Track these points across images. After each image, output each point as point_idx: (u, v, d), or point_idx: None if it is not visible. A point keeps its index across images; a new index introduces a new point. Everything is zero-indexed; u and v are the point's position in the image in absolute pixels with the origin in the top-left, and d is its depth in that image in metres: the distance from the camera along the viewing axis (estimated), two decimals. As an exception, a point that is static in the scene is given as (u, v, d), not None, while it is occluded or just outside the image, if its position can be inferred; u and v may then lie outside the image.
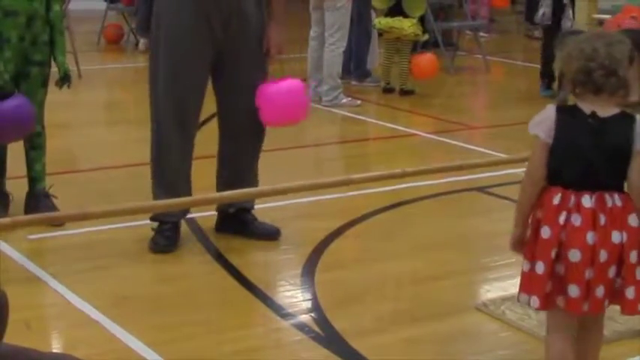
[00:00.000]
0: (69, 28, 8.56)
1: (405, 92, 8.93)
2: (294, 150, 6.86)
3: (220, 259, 4.67)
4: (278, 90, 4.67)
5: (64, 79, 5.11)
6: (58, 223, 4.87)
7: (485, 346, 3.85)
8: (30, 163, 5.19)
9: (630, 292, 3.01)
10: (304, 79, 8.40)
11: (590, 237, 2.95)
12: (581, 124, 2.99)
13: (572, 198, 2.98)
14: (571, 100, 3.07)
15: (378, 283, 4.43)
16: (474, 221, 5.34)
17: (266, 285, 4.35)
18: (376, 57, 9.60)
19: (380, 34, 9.16)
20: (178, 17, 4.62)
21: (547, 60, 8.43)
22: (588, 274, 2.96)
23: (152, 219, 4.78)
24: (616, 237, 2.97)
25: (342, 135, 7.80)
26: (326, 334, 3.87)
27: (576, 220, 2.97)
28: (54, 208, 5.12)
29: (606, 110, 3.00)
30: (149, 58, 4.82)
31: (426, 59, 8.99)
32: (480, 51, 10.69)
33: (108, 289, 4.27)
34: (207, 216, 5.05)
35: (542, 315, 3.32)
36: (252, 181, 4.86)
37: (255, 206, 4.99)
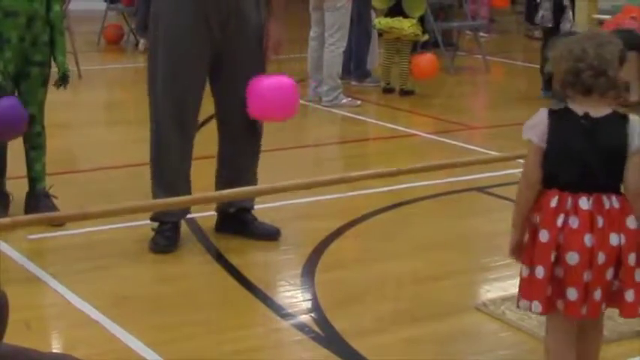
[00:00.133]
0: (69, 29, 8.56)
1: (405, 92, 8.93)
2: (294, 150, 6.86)
3: (220, 259, 4.67)
4: (268, 85, 4.66)
5: (63, 80, 5.11)
6: (58, 223, 4.87)
7: (485, 346, 3.85)
8: (30, 163, 5.19)
9: (629, 295, 3.00)
10: (303, 79, 8.43)
11: (587, 239, 2.95)
12: (574, 126, 2.98)
13: (570, 200, 2.97)
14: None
15: (378, 283, 4.43)
16: (474, 221, 5.35)
17: (266, 285, 4.35)
18: (376, 57, 9.60)
19: (380, 35, 9.16)
20: (177, 17, 4.62)
21: (547, 61, 8.42)
22: (586, 276, 2.96)
23: (152, 219, 4.78)
24: (614, 239, 2.96)
25: (342, 135, 7.80)
26: (326, 334, 3.87)
27: (574, 222, 2.96)
28: (54, 208, 5.12)
29: (599, 110, 2.99)
30: (148, 58, 4.83)
31: (426, 59, 8.99)
32: (480, 51, 10.69)
33: (108, 289, 4.27)
34: (207, 216, 5.05)
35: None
36: (252, 182, 4.85)
37: (255, 206, 4.99)
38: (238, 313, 4.14)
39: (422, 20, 9.04)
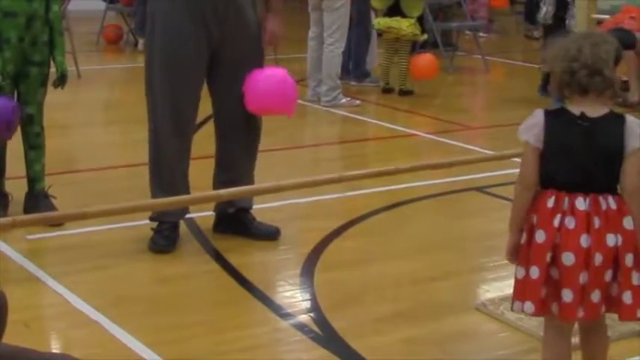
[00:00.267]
0: (68, 29, 8.56)
1: (404, 92, 8.93)
2: (293, 150, 6.86)
3: (219, 259, 4.67)
4: (264, 77, 4.65)
5: (61, 80, 5.11)
6: (57, 223, 4.87)
7: (484, 346, 3.85)
8: (29, 163, 5.19)
9: (627, 297, 2.99)
10: (303, 80, 8.42)
11: (584, 240, 2.94)
12: (570, 126, 2.98)
13: (566, 200, 2.97)
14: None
15: (377, 284, 4.43)
16: (473, 221, 5.35)
17: (265, 285, 4.35)
18: (375, 57, 9.61)
19: (379, 35, 9.16)
20: (173, 16, 4.60)
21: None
22: (582, 278, 2.95)
23: (151, 219, 4.78)
24: (611, 240, 2.95)
25: (341, 135, 7.80)
26: (325, 334, 3.87)
27: (570, 222, 2.95)
28: (53, 208, 5.12)
29: (595, 110, 2.99)
30: (145, 58, 4.82)
31: (426, 60, 8.99)
32: (479, 51, 10.70)
33: (107, 289, 4.28)
34: (206, 216, 5.05)
35: (542, 315, 3.32)
36: (250, 182, 4.85)
37: (254, 206, 4.99)
38: (237, 312, 4.14)
39: (421, 20, 9.04)
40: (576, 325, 3.15)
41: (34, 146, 5.16)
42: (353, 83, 9.26)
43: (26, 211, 5.10)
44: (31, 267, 4.50)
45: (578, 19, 8.45)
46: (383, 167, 5.07)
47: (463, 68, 10.61)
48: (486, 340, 3.89)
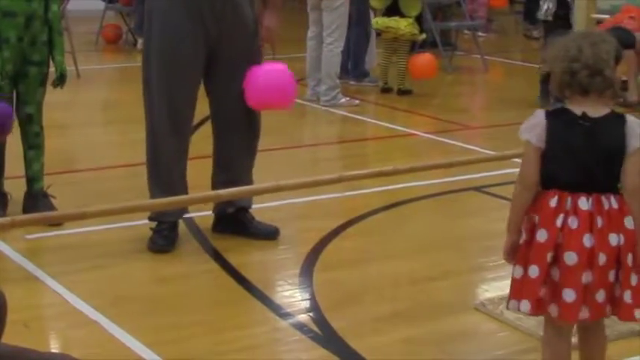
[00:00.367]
0: (67, 29, 8.56)
1: (403, 92, 8.93)
2: (292, 150, 6.86)
3: (218, 258, 4.67)
4: (263, 71, 4.64)
5: (60, 79, 5.11)
6: (56, 223, 4.87)
7: (483, 345, 3.85)
8: (28, 163, 5.19)
9: (627, 297, 2.99)
10: (302, 79, 8.42)
11: (587, 240, 2.94)
12: (572, 126, 2.98)
13: (569, 200, 2.97)
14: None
15: (376, 283, 4.43)
16: (472, 221, 5.35)
17: (264, 285, 4.35)
18: (374, 57, 9.60)
19: (378, 34, 9.15)
20: (170, 15, 4.60)
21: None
22: (585, 278, 2.94)
23: (150, 219, 4.78)
24: (613, 239, 2.96)
25: (340, 135, 7.80)
26: (324, 333, 3.87)
27: (573, 222, 2.95)
28: (52, 207, 5.12)
29: (597, 111, 2.99)
30: (142, 57, 4.82)
31: (425, 59, 8.99)
32: (478, 51, 10.70)
33: (106, 289, 4.27)
34: (205, 216, 5.05)
35: (541, 315, 3.32)
36: (248, 182, 4.85)
37: (253, 206, 4.99)
38: (236, 312, 4.14)
39: (419, 20, 9.04)
40: (575, 325, 3.15)
41: (33, 146, 5.16)
42: (352, 83, 9.27)
43: (25, 210, 5.10)
44: (30, 267, 4.50)
45: (578, 19, 8.46)
46: (382, 167, 5.07)
47: (462, 68, 10.61)
48: (485, 340, 3.89)
